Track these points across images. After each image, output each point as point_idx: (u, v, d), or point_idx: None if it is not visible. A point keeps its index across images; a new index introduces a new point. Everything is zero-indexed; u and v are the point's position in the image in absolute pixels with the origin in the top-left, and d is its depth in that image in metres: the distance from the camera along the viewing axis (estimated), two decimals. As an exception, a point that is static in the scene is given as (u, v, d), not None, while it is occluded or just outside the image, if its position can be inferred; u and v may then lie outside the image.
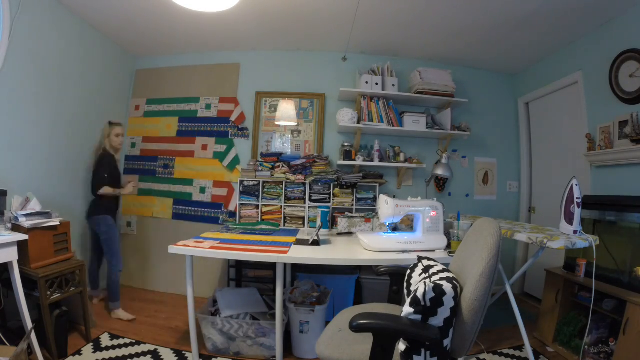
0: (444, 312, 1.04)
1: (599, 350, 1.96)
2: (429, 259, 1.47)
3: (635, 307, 1.76)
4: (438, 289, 1.03)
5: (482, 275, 1.06)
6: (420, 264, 1.45)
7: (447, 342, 1.07)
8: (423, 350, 1.04)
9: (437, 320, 1.04)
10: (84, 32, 2.83)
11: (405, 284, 1.49)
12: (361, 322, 1.03)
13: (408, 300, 1.06)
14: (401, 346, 1.08)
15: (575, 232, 1.79)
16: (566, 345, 2.16)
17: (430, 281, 1.09)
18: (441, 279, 1.13)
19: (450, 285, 1.06)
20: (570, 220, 1.79)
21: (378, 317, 1.06)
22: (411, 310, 1.04)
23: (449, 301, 1.04)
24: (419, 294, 1.03)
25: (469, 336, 1.07)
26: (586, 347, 2.00)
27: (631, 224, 2.08)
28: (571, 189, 1.81)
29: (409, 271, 1.49)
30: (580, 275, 2.19)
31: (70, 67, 2.72)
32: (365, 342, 1.16)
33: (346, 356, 1.21)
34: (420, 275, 1.35)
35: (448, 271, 1.27)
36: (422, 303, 1.03)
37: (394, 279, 1.70)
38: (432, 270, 1.30)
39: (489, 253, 1.09)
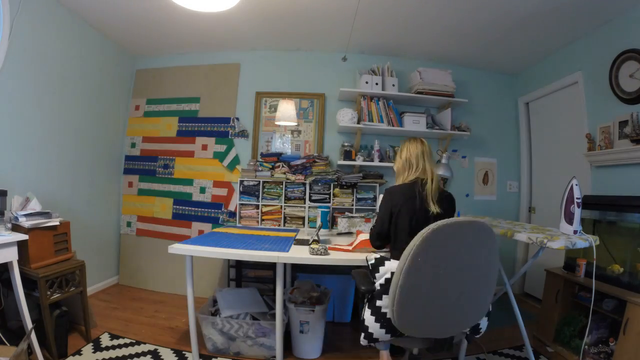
0: (379, 278, 1.36)
1: (599, 350, 1.96)
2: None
3: (635, 307, 1.76)
4: (378, 260, 1.40)
5: (409, 257, 1.22)
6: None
7: (380, 303, 1.33)
8: (366, 300, 1.40)
9: (377, 283, 1.36)
10: (84, 32, 2.83)
11: None
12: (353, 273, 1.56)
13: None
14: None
15: (575, 232, 1.78)
16: (566, 345, 2.16)
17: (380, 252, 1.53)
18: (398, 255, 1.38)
19: (394, 263, 1.33)
20: (570, 220, 1.79)
21: (359, 274, 1.53)
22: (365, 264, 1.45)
23: (384, 272, 1.35)
24: (366, 256, 1.48)
25: (397, 309, 1.21)
26: (586, 347, 2.00)
27: (631, 224, 2.08)
28: (571, 189, 1.80)
29: None
30: (580, 275, 2.19)
31: (70, 67, 2.72)
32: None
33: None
34: None
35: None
36: (366, 263, 1.45)
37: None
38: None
39: (419, 238, 1.22)
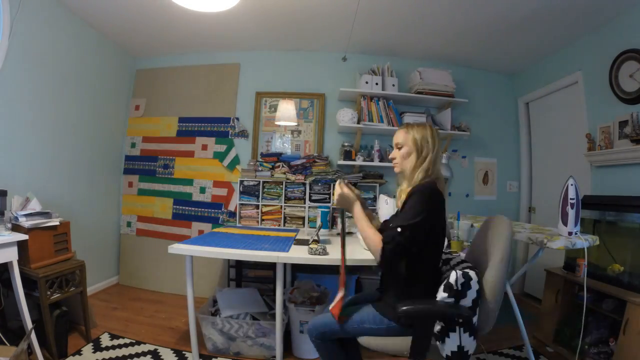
0: (471, 294, 1.23)
1: (599, 350, 1.96)
2: (444, 253, 1.53)
3: (635, 307, 1.76)
4: (466, 275, 1.23)
5: (502, 261, 1.29)
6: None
7: (475, 319, 1.25)
8: (457, 328, 1.23)
9: (467, 301, 1.23)
10: (84, 33, 2.83)
11: None
12: (406, 308, 1.18)
13: (441, 288, 1.24)
14: (436, 327, 1.26)
15: (570, 233, 1.76)
16: (566, 345, 2.16)
17: (457, 270, 1.28)
18: (464, 267, 1.29)
19: (474, 272, 1.25)
20: (566, 222, 1.77)
21: (419, 303, 1.26)
22: (445, 294, 1.22)
23: (474, 284, 1.23)
24: (452, 280, 1.22)
25: (492, 313, 1.26)
26: (586, 347, 2.00)
27: (631, 224, 2.08)
28: (567, 189, 1.79)
29: None
30: (580, 275, 2.19)
31: (71, 67, 2.72)
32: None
33: (390, 347, 1.40)
34: (441, 268, 1.47)
35: (466, 262, 1.42)
36: (455, 287, 1.21)
37: None
38: (452, 262, 1.43)
39: (504, 243, 1.32)
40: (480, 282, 1.28)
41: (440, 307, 1.23)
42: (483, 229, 1.57)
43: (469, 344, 1.23)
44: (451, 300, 1.22)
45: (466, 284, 1.22)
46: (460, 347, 1.22)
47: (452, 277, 1.22)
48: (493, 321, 1.29)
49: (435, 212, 1.28)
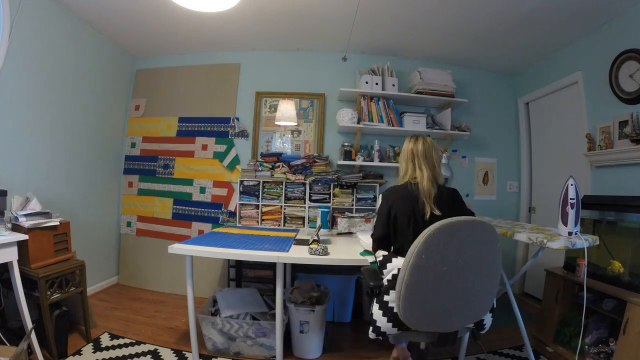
0: (387, 274, 1.38)
1: (599, 350, 1.96)
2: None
3: (635, 307, 1.76)
4: (386, 257, 1.44)
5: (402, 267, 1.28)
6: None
7: (387, 298, 1.35)
8: (374, 295, 1.42)
9: (385, 279, 1.39)
10: (84, 33, 2.83)
11: None
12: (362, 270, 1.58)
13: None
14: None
15: (570, 233, 1.75)
16: (566, 345, 2.16)
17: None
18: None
19: (400, 260, 1.32)
20: (566, 222, 1.76)
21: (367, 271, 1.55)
22: (371, 260, 1.54)
23: (391, 269, 1.37)
24: (375, 254, 1.53)
25: (402, 303, 1.25)
26: (586, 347, 2.00)
27: (631, 224, 2.08)
28: (567, 189, 1.78)
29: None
30: (580, 275, 2.19)
31: (71, 67, 2.72)
32: None
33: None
34: None
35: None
36: (375, 259, 1.52)
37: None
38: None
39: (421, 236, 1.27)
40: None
41: (369, 267, 1.56)
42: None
43: (382, 322, 1.35)
44: (374, 267, 1.49)
45: (383, 263, 1.43)
46: (370, 315, 1.40)
47: (377, 253, 1.52)
48: (412, 318, 1.28)
49: (382, 209, 1.57)
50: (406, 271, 1.21)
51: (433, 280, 1.23)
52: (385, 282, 1.39)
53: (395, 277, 1.32)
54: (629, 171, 2.30)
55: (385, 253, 1.48)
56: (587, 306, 2.04)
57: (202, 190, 3.32)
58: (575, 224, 1.75)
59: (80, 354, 2.04)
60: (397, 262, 1.37)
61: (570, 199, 1.73)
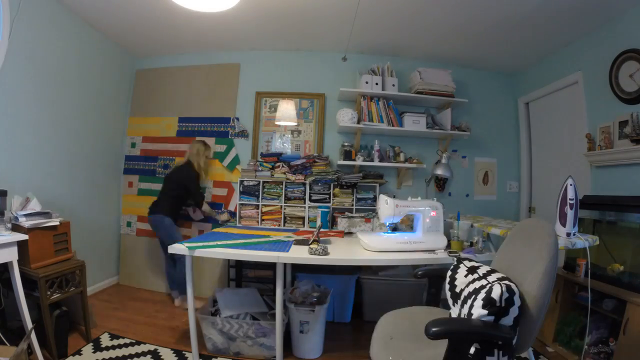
0: (513, 312, 1.07)
1: (599, 350, 1.96)
2: (470, 260, 1.45)
3: (635, 307, 1.76)
4: (510, 290, 1.06)
5: (545, 273, 1.10)
6: (462, 265, 1.42)
7: (515, 339, 1.09)
8: (496, 351, 1.04)
9: (508, 320, 1.06)
10: (84, 33, 2.83)
11: (448, 286, 1.44)
12: (438, 329, 1.02)
13: (478, 303, 1.08)
14: (471, 349, 1.08)
15: (568, 234, 1.75)
16: (566, 345, 2.16)
17: (489, 282, 1.12)
18: (498, 279, 1.14)
19: (515, 285, 1.10)
20: (564, 222, 1.76)
21: (452, 323, 1.12)
22: (484, 312, 1.06)
23: (517, 300, 1.07)
24: (495, 295, 1.05)
25: (533, 331, 1.10)
26: (586, 347, 2.00)
27: (631, 224, 2.08)
28: (565, 189, 1.77)
29: (450, 272, 1.46)
30: (580, 275, 2.19)
31: (70, 67, 2.72)
32: (429, 348, 1.19)
33: None
34: (466, 276, 1.33)
35: (496, 271, 1.28)
36: (498, 304, 1.05)
37: (432, 281, 1.68)
38: (480, 271, 1.29)
39: (549, 252, 1.13)
40: (521, 296, 1.10)
41: (477, 326, 1.05)
42: (516, 234, 1.44)
43: None
44: (490, 318, 1.06)
45: (510, 300, 1.06)
46: None
47: (496, 291, 1.05)
48: (533, 340, 1.13)
49: None
50: (549, 282, 1.06)
51: None
52: (512, 321, 1.06)
53: (520, 307, 1.07)
54: (629, 171, 2.30)
55: (504, 285, 1.07)
56: (587, 306, 2.04)
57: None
58: (574, 225, 1.75)
59: (80, 354, 2.04)
60: (516, 288, 1.10)
61: (570, 199, 1.72)
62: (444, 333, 1.03)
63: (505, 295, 1.05)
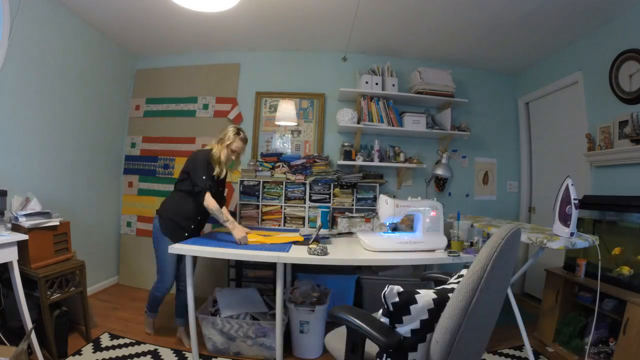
0: (410, 322, 0.92)
1: (599, 350, 1.96)
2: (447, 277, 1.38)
3: (635, 307, 1.76)
4: (404, 295, 0.92)
5: (459, 291, 0.88)
6: (464, 269, 1.28)
7: (414, 355, 0.92)
8: (385, 355, 0.94)
9: (404, 329, 0.92)
10: (84, 32, 2.83)
11: None
12: (337, 313, 1.00)
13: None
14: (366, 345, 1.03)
15: (572, 234, 1.75)
16: (566, 345, 2.16)
17: (436, 288, 1.01)
18: (446, 289, 1.01)
19: (433, 297, 0.94)
20: (566, 222, 1.75)
21: (353, 313, 1.00)
22: (380, 312, 0.98)
23: (419, 312, 0.92)
24: (384, 292, 0.93)
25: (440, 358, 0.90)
26: (586, 347, 2.00)
27: (631, 224, 2.08)
28: (566, 189, 1.77)
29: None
30: (580, 275, 2.19)
31: (70, 67, 2.72)
32: None
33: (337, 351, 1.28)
34: (449, 283, 1.20)
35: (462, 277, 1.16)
36: (385, 306, 0.94)
37: (437, 285, 1.63)
38: (456, 278, 1.20)
39: (474, 266, 0.88)
40: (440, 312, 0.91)
41: (368, 323, 0.95)
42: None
43: None
44: (386, 320, 0.95)
45: (401, 306, 0.91)
46: None
47: (386, 289, 0.93)
48: None
49: None
50: (470, 305, 0.84)
51: (487, 308, 0.90)
52: (408, 333, 0.92)
53: (426, 323, 0.92)
54: (629, 171, 2.30)
55: (400, 289, 0.93)
56: (587, 306, 2.05)
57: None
58: (572, 226, 1.75)
59: (80, 354, 2.04)
60: (427, 298, 0.94)
61: (574, 199, 1.72)
62: (339, 318, 1.01)
63: (393, 299, 0.91)
